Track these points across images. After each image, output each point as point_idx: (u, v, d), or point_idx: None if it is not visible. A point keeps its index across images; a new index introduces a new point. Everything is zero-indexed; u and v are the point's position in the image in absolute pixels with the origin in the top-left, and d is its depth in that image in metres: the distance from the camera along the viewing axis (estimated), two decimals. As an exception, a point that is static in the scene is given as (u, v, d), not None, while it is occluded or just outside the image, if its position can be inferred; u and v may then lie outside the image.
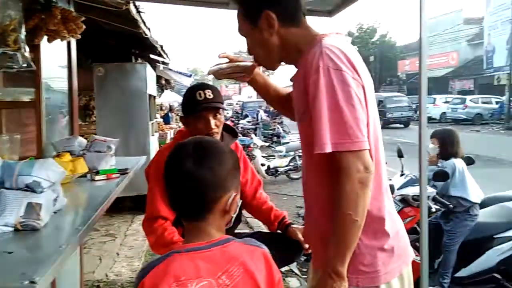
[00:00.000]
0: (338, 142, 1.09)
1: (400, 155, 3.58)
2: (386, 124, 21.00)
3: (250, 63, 1.49)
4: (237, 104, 32.76)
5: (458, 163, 3.06)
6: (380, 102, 22.38)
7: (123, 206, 5.27)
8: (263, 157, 8.67)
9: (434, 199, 3.03)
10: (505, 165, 9.83)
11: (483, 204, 3.60)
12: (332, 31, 1.27)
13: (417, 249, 3.13)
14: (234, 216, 1.03)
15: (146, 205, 1.82)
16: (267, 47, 1.30)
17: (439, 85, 30.97)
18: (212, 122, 1.83)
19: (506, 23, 21.96)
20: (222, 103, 1.97)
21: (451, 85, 30.56)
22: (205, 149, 0.98)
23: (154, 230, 1.78)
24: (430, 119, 22.58)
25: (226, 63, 1.53)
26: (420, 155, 1.95)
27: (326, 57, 1.13)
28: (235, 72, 1.54)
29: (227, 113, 24.51)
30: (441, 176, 2.93)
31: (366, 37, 38.92)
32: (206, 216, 0.96)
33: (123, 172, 2.00)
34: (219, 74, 1.56)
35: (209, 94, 1.87)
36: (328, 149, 1.09)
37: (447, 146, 3.11)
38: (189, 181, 0.93)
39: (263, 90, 1.65)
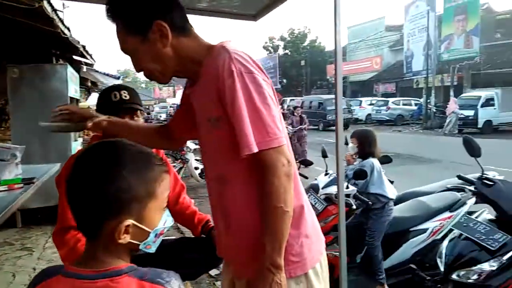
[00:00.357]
0: (261, 141, 1.14)
1: (324, 155, 3.72)
2: (327, 126, 21.13)
3: (81, 123, 1.50)
4: (171, 106, 32.21)
5: (376, 162, 3.23)
6: (320, 104, 22.60)
7: (42, 217, 4.90)
8: (197, 160, 8.54)
9: (355, 197, 3.17)
10: (423, 162, 10.63)
11: (401, 200, 3.85)
12: (225, 39, 1.28)
13: (338, 244, 3.27)
14: (154, 245, 0.89)
15: (57, 215, 1.70)
16: (161, 59, 1.25)
17: (364, 88, 32.89)
18: None
19: (423, 30, 23.82)
20: (140, 105, 1.90)
21: (375, 88, 32.53)
22: (100, 160, 0.83)
23: (65, 241, 1.67)
24: (357, 120, 23.87)
25: (67, 113, 1.53)
26: (337, 156, 2.02)
27: (237, 62, 1.17)
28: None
29: (160, 116, 23.88)
30: (361, 175, 3.08)
31: (298, 42, 40.19)
32: (96, 237, 0.83)
33: (28, 181, 1.84)
34: (51, 128, 1.57)
35: (125, 95, 1.80)
36: (255, 148, 1.13)
37: (365, 146, 3.27)
38: (73, 194, 0.83)
39: (126, 132, 1.57)
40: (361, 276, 3.39)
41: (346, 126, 21.50)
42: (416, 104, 24.54)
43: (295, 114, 10.51)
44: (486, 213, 2.58)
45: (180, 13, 1.26)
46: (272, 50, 41.61)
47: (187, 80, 1.40)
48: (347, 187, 3.17)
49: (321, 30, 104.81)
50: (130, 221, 0.81)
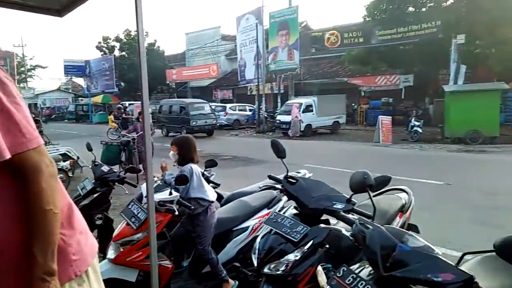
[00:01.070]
0: (16, 144, 1.04)
1: (89, 148, 3.78)
2: (190, 132, 17.82)
3: None
4: None
5: (195, 167, 3.28)
6: (182, 109, 20.57)
7: None
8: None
9: (178, 203, 3.16)
10: (255, 163, 11.43)
11: (228, 200, 4.02)
12: None
13: (164, 253, 3.20)
14: None
15: None
16: None
17: (204, 94, 33.79)
18: None
19: (253, 42, 25.71)
20: None
21: (215, 94, 33.77)
22: None
23: None
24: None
25: None
26: (147, 164, 1.95)
27: None
28: None
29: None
30: (182, 180, 3.08)
31: (135, 44, 38.58)
32: None
33: None
34: None
35: None
36: (8, 154, 1.01)
37: (184, 153, 3.29)
38: None
39: None
40: (190, 281, 3.40)
41: (210, 133, 20.56)
42: (250, 110, 26.39)
43: (141, 120, 9.79)
44: (292, 208, 2.85)
45: None
46: (107, 51, 39.09)
47: None
48: (170, 194, 3.13)
49: (159, 33, 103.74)
50: None
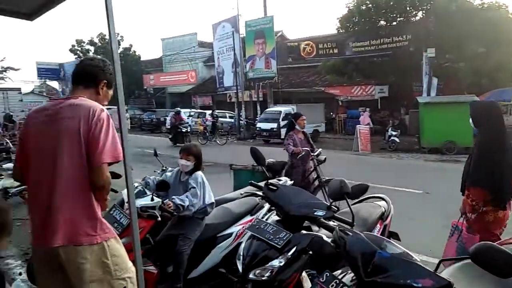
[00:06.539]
0: None
1: None
2: None
3: None
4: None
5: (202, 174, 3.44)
6: None
7: None
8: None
9: (161, 208, 3.15)
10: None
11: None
12: None
13: (149, 258, 3.18)
14: None
15: None
16: None
17: (183, 100, 33.51)
18: None
19: (230, 49, 25.61)
20: None
21: (194, 100, 33.50)
22: None
23: None
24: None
25: None
26: (126, 171, 1.96)
27: None
28: None
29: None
30: (163, 186, 3.10)
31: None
32: None
33: None
34: None
35: None
36: None
37: (199, 162, 3.45)
38: None
39: None
40: (176, 285, 3.37)
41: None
42: (231, 117, 26.27)
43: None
44: (274, 215, 2.88)
45: None
46: (81, 55, 38.20)
47: None
48: (152, 199, 3.12)
49: (135, 38, 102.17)
50: None
